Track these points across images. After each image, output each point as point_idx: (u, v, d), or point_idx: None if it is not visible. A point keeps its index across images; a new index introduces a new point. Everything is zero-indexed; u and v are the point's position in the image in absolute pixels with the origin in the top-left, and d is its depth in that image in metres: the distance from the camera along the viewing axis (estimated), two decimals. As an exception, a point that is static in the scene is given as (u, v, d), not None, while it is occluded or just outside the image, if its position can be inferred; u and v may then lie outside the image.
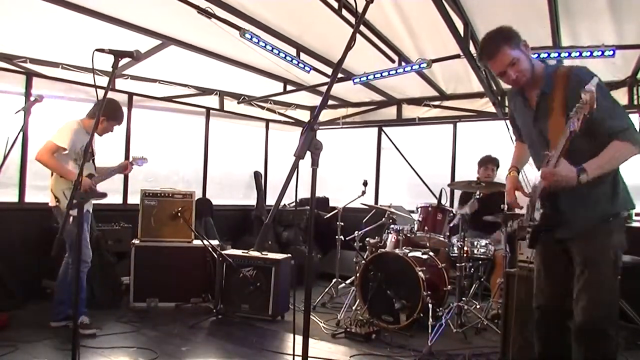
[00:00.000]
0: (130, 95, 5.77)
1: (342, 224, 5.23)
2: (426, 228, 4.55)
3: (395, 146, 7.04)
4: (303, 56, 4.86)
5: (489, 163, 5.00)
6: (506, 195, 2.54)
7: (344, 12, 3.75)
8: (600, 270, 2.15)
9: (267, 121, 7.44)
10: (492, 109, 5.77)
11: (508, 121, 2.74)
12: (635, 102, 5.19)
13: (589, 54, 4.02)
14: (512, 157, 2.68)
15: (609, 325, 2.13)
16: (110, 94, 3.30)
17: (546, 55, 4.14)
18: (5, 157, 3.00)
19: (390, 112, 7.00)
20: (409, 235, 4.61)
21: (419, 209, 4.71)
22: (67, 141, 3.67)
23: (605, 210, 2.19)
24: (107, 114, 3.85)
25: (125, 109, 5.61)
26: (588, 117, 1.91)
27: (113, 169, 4.19)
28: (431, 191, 6.40)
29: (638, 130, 2.12)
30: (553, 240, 2.31)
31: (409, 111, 6.81)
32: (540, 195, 2.21)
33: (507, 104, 2.63)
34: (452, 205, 5.69)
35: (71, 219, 3.00)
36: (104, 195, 3.79)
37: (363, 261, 4.46)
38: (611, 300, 2.16)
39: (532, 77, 2.27)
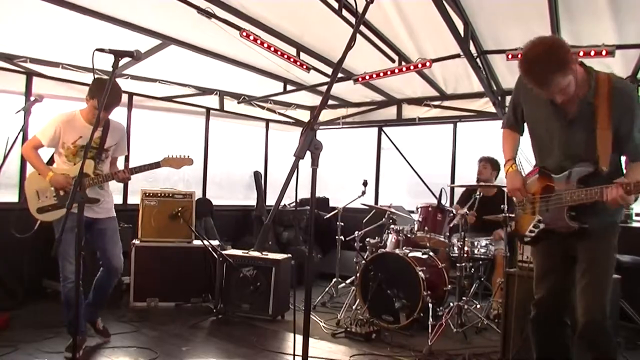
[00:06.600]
0: (130, 95, 5.77)
1: (342, 224, 5.23)
2: (426, 228, 4.54)
3: (395, 146, 7.03)
4: (303, 56, 4.85)
5: (487, 162, 5.04)
6: (512, 193, 2.47)
7: (344, 12, 3.75)
8: (604, 271, 2.23)
9: (267, 121, 7.44)
10: (492, 109, 5.75)
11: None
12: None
13: (589, 54, 4.02)
14: (505, 148, 2.56)
15: (607, 323, 2.20)
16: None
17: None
18: (5, 157, 3.00)
19: (390, 112, 6.99)
20: (409, 235, 4.61)
21: (419, 209, 4.71)
22: (45, 136, 3.34)
23: (612, 218, 2.28)
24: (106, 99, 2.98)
25: (125, 109, 5.70)
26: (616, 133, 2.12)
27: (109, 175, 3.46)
28: (431, 191, 6.39)
29: None
30: (556, 239, 2.33)
31: (409, 111, 6.81)
32: (570, 206, 2.23)
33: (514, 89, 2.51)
34: (452, 205, 5.69)
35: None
36: (94, 200, 3.34)
37: (363, 261, 4.45)
38: (607, 299, 2.22)
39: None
